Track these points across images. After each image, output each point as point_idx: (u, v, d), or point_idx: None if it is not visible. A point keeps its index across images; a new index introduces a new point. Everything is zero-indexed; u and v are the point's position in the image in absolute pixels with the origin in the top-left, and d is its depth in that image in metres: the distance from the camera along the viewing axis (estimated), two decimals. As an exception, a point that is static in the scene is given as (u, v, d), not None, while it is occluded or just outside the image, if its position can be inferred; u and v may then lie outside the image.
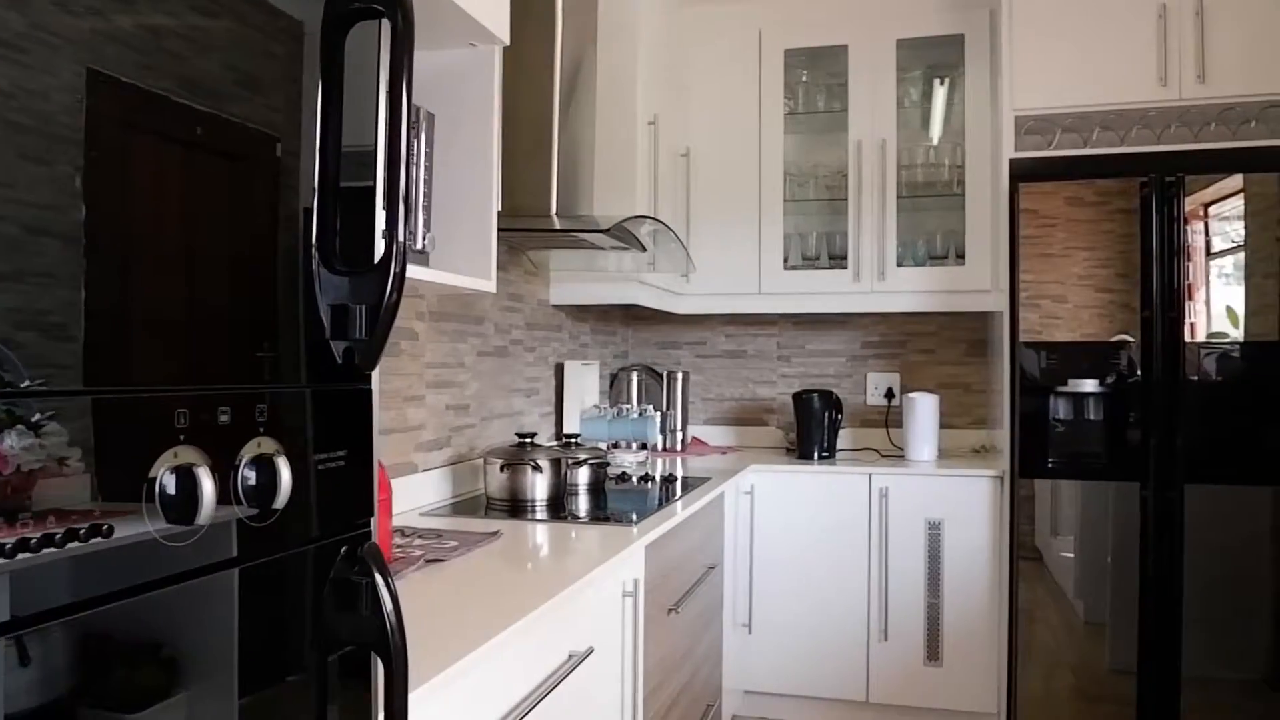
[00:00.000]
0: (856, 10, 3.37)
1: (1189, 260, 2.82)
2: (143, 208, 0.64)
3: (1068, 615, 2.89)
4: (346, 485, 0.82)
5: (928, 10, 3.31)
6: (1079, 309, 2.85)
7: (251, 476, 0.70)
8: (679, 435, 3.51)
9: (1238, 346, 2.76)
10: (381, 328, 0.81)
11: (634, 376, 3.55)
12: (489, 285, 1.64)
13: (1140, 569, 2.78)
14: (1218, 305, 2.79)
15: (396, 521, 1.96)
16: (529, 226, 2.26)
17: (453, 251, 1.59)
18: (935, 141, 3.46)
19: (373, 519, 0.86)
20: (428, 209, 1.41)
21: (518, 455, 2.22)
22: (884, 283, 3.30)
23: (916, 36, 3.34)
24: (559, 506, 2.21)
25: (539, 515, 2.12)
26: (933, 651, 3.03)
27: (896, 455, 3.34)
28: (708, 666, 2.59)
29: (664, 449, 3.49)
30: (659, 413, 3.46)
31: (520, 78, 2.31)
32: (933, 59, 3.43)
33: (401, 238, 0.81)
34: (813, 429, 3.25)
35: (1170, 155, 2.91)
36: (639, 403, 3.37)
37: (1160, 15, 2.85)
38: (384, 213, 0.82)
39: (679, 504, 2.23)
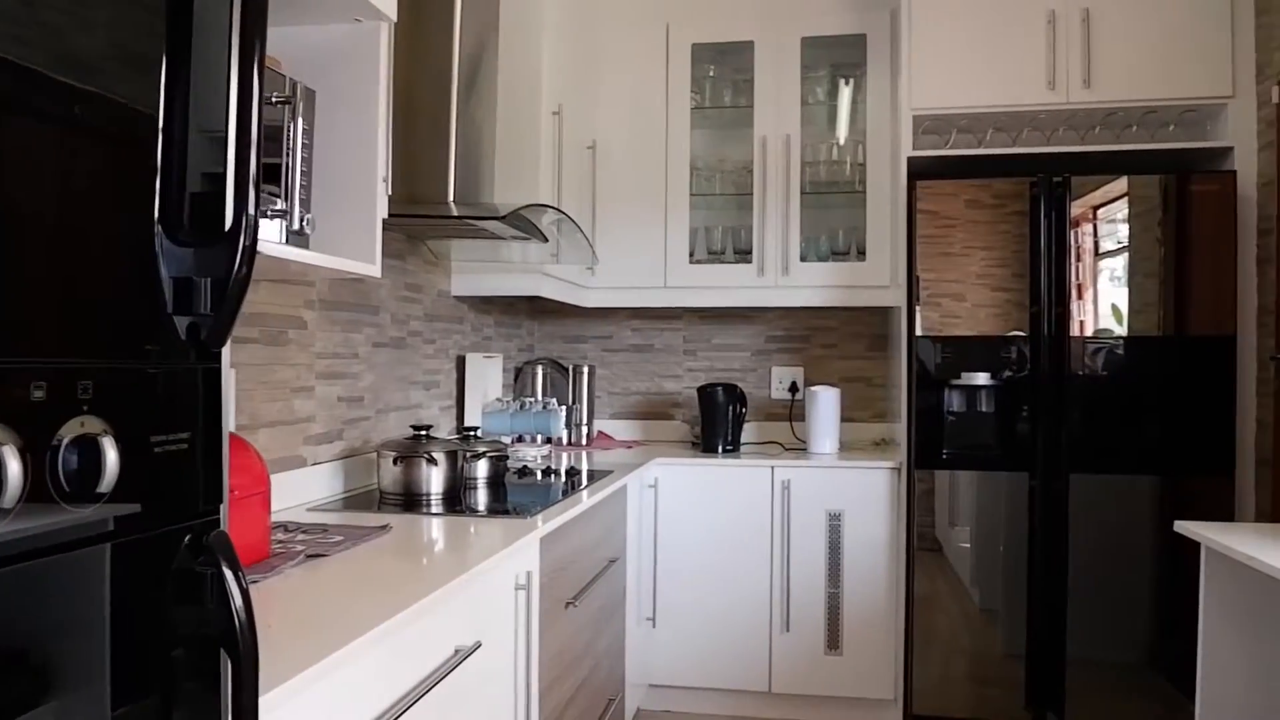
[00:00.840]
0: (763, 7, 3.40)
1: (1079, 260, 2.93)
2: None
3: (965, 603, 2.97)
4: (190, 470, 0.77)
5: (831, 10, 3.36)
6: (977, 307, 2.93)
7: (73, 459, 0.65)
8: (584, 429, 3.49)
9: (1121, 343, 2.87)
10: (230, 303, 0.76)
11: (539, 370, 3.51)
12: (373, 270, 1.58)
13: (1028, 557, 2.88)
14: (1104, 303, 2.91)
15: (282, 517, 1.88)
16: (426, 214, 2.20)
17: (336, 234, 1.53)
18: (839, 139, 3.52)
19: (222, 506, 0.81)
20: (306, 188, 1.35)
21: (412, 448, 2.16)
22: (788, 278, 3.33)
23: (821, 35, 3.38)
24: (455, 500, 2.16)
25: (434, 509, 2.07)
26: (833, 641, 3.08)
27: (799, 448, 3.38)
28: (610, 660, 2.58)
29: (569, 443, 3.46)
30: (564, 407, 3.42)
31: (419, 64, 2.25)
32: (837, 58, 3.48)
33: (252, 210, 0.77)
34: (717, 422, 3.27)
35: (1058, 157, 3.03)
36: (544, 397, 3.33)
37: (1050, 22, 2.95)
38: (233, 183, 0.77)
39: (577, 497, 2.21)
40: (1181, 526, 1.95)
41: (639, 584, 3.00)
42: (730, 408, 3.28)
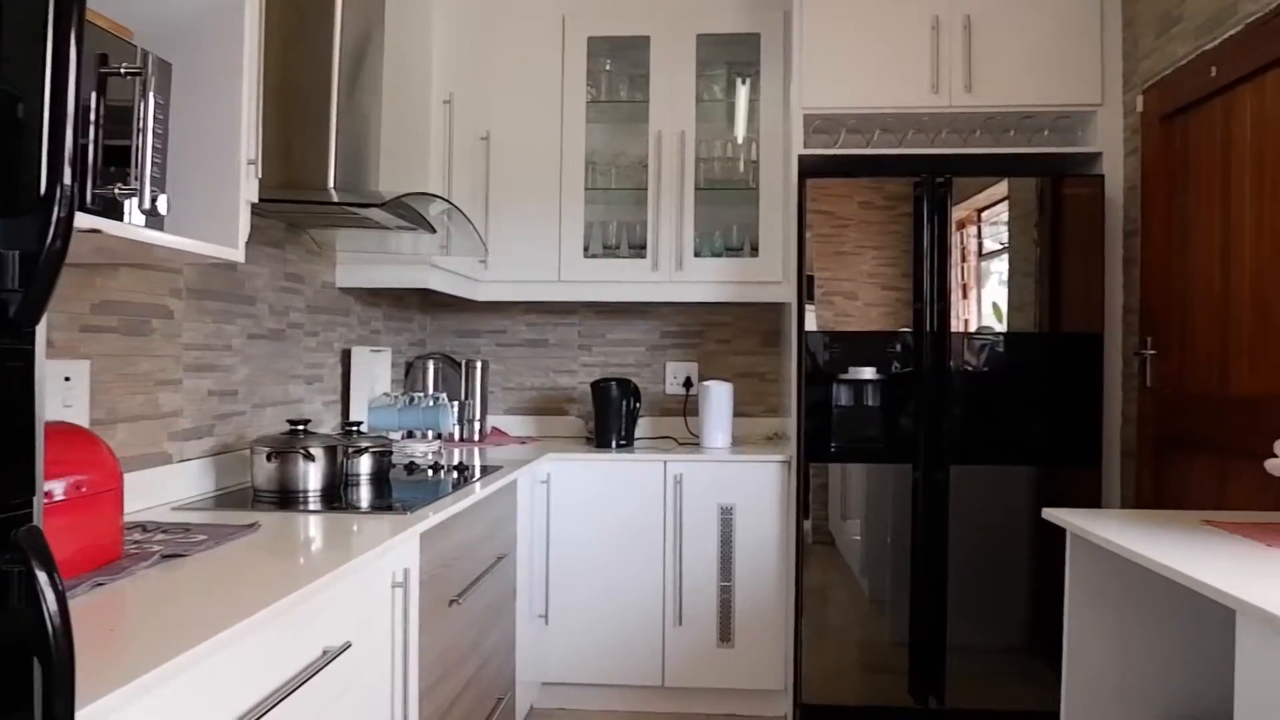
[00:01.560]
0: (659, 3, 3.40)
1: (964, 261, 3.02)
2: None
3: (855, 595, 3.03)
4: (-7, 460, 0.71)
5: (727, 8, 3.38)
6: (869, 306, 2.99)
7: None
8: (477, 425, 3.43)
9: (999, 339, 2.97)
10: (42, 278, 0.70)
11: (430, 365, 3.43)
12: (235, 255, 1.50)
13: (911, 547, 2.96)
14: (987, 302, 3.01)
15: (142, 516, 1.78)
16: (302, 199, 2.12)
17: (196, 217, 1.45)
18: (733, 136, 3.55)
19: (36, 499, 0.75)
20: (160, 166, 1.27)
21: (288, 443, 2.07)
22: (681, 273, 3.35)
23: (716, 33, 3.41)
24: (334, 497, 2.09)
25: (311, 506, 1.99)
26: (725, 633, 3.10)
27: (693, 443, 3.40)
28: (499, 658, 2.53)
29: (461, 439, 3.39)
30: (456, 402, 3.36)
31: (299, 46, 2.17)
32: (732, 56, 3.51)
33: (68, 179, 0.71)
34: (610, 418, 3.26)
35: (941, 158, 3.12)
36: (435, 392, 3.25)
37: (934, 27, 3.03)
38: (47, 150, 0.71)
39: (463, 492, 2.16)
40: (1049, 514, 2.03)
41: (531, 581, 2.97)
42: (624, 403, 3.27)
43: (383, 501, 2.09)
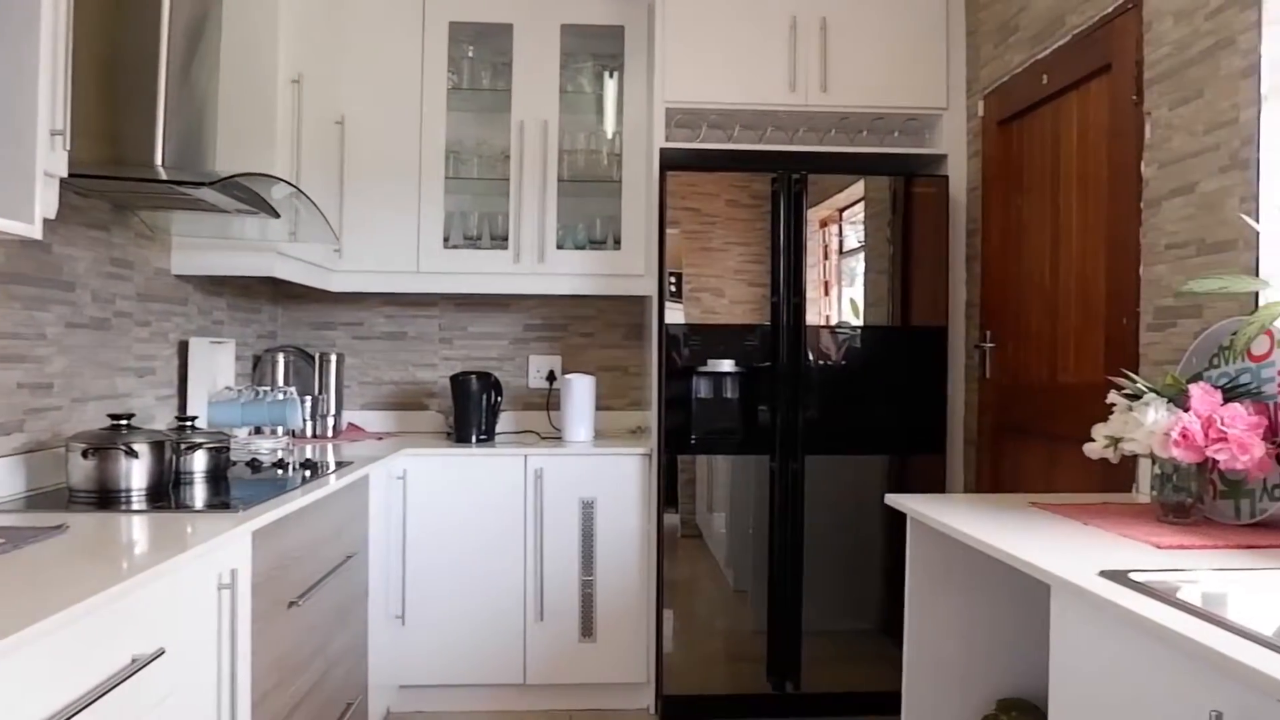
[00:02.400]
0: (523, -10, 3.34)
1: (826, 258, 3.10)
2: None
3: (721, 586, 3.06)
4: None
5: (592, -1, 3.36)
6: (735, 303, 3.02)
7: None
8: (331, 420, 3.30)
9: (853, 333, 3.06)
10: None
11: (280, 358, 3.27)
12: (30, 230, 1.37)
13: (769, 536, 3.01)
14: (846, 298, 3.10)
15: (-68, 520, 1.62)
16: (125, 175, 1.97)
17: (-15, 189, 1.32)
18: (598, 129, 3.53)
19: None
20: (-64, 131, 1.15)
21: (108, 439, 1.93)
22: (544, 265, 3.31)
23: (581, 24, 3.38)
24: (161, 496, 1.95)
25: (135, 506, 1.86)
26: (587, 628, 3.08)
27: (556, 437, 3.36)
28: (348, 662, 2.44)
29: (314, 435, 3.25)
30: (308, 397, 3.22)
31: (125, 18, 2.02)
32: (597, 48, 3.49)
33: None
34: (470, 412, 3.19)
35: (798, 155, 3.19)
36: (285, 386, 3.10)
37: (792, 27, 3.10)
38: None
39: (305, 489, 2.06)
40: (891, 499, 2.10)
41: (386, 580, 2.87)
42: (485, 397, 3.21)
43: (217, 500, 1.97)
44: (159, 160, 2.01)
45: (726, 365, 2.99)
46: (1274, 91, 1.82)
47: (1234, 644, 1.00)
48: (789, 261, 3.01)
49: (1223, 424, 1.62)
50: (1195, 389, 1.70)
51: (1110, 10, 2.32)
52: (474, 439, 3.20)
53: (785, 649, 3.01)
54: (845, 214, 3.12)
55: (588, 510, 3.07)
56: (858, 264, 3.09)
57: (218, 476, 2.20)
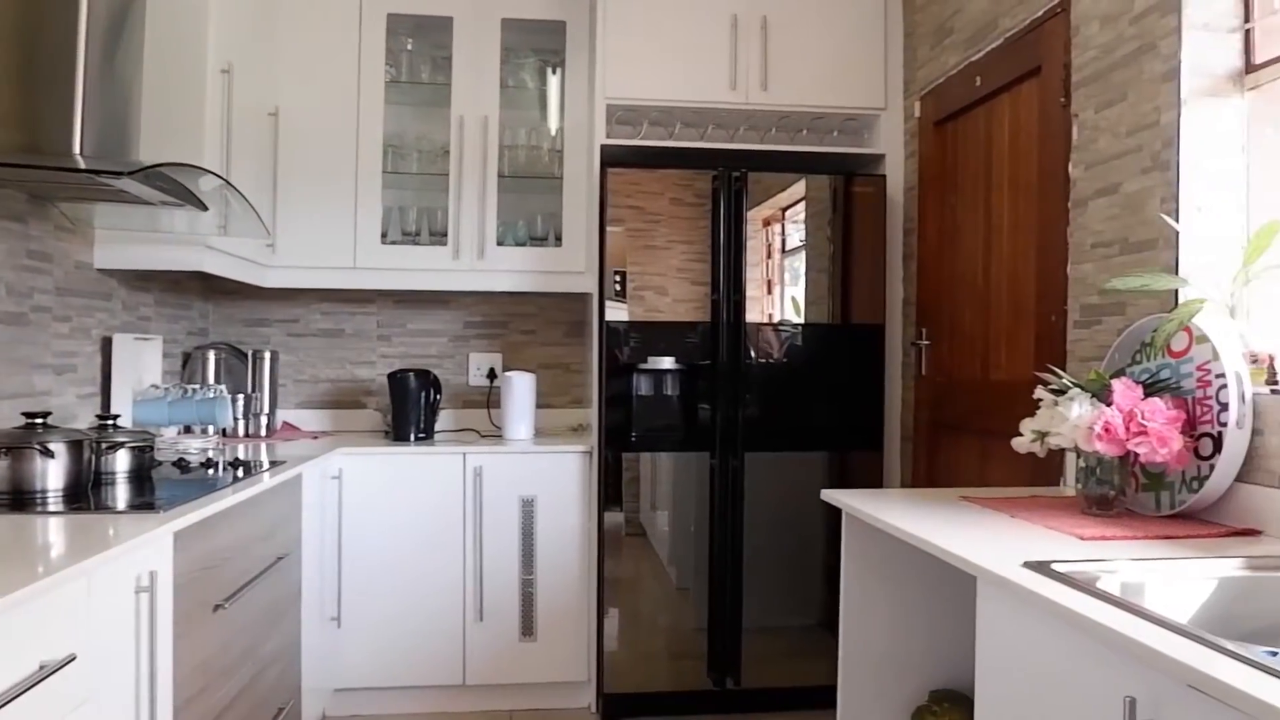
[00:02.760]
0: (462, -18, 3.30)
1: (769, 257, 3.11)
2: None
3: (664, 583, 3.05)
4: None
5: (534, -7, 3.33)
6: (678, 301, 3.02)
7: None
8: (265, 419, 3.22)
9: (793, 331, 3.08)
10: None
11: (211, 356, 3.19)
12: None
13: (710, 533, 3.02)
14: (788, 296, 3.12)
15: None
16: (40, 164, 1.90)
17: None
18: (538, 124, 3.50)
19: None
20: None
21: (22, 438, 1.85)
22: (483, 261, 3.27)
23: (522, 18, 3.35)
24: (80, 497, 1.89)
25: (51, 508, 1.79)
26: (527, 627, 3.06)
27: (496, 435, 3.33)
28: (280, 665, 2.38)
29: (247, 434, 3.18)
30: (240, 395, 3.15)
31: (41, 3, 1.95)
32: (538, 43, 3.46)
33: None
34: (409, 410, 3.14)
35: (738, 153, 3.20)
36: (216, 384, 3.03)
37: (733, 25, 3.11)
38: None
39: (230, 489, 2.01)
40: (826, 495, 2.11)
41: (321, 581, 2.81)
42: (423, 395, 3.17)
43: (140, 500, 1.91)
44: (77, 149, 1.94)
45: (667, 362, 2.99)
46: (1193, 95, 1.87)
47: (1147, 631, 1.02)
48: (729, 259, 3.02)
49: (1143, 418, 1.66)
50: (1117, 384, 1.74)
51: (1040, 14, 2.36)
52: (412, 437, 3.16)
53: (726, 645, 3.02)
54: (788, 213, 3.15)
55: (528, 508, 3.04)
56: (799, 262, 3.12)
57: (141, 477, 2.14)
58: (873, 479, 3.09)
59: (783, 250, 3.16)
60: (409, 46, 3.41)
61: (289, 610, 2.46)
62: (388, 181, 3.31)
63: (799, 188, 3.10)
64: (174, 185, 2.12)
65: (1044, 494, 2.09)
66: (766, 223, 3.13)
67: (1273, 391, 1.66)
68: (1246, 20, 1.87)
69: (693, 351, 3.01)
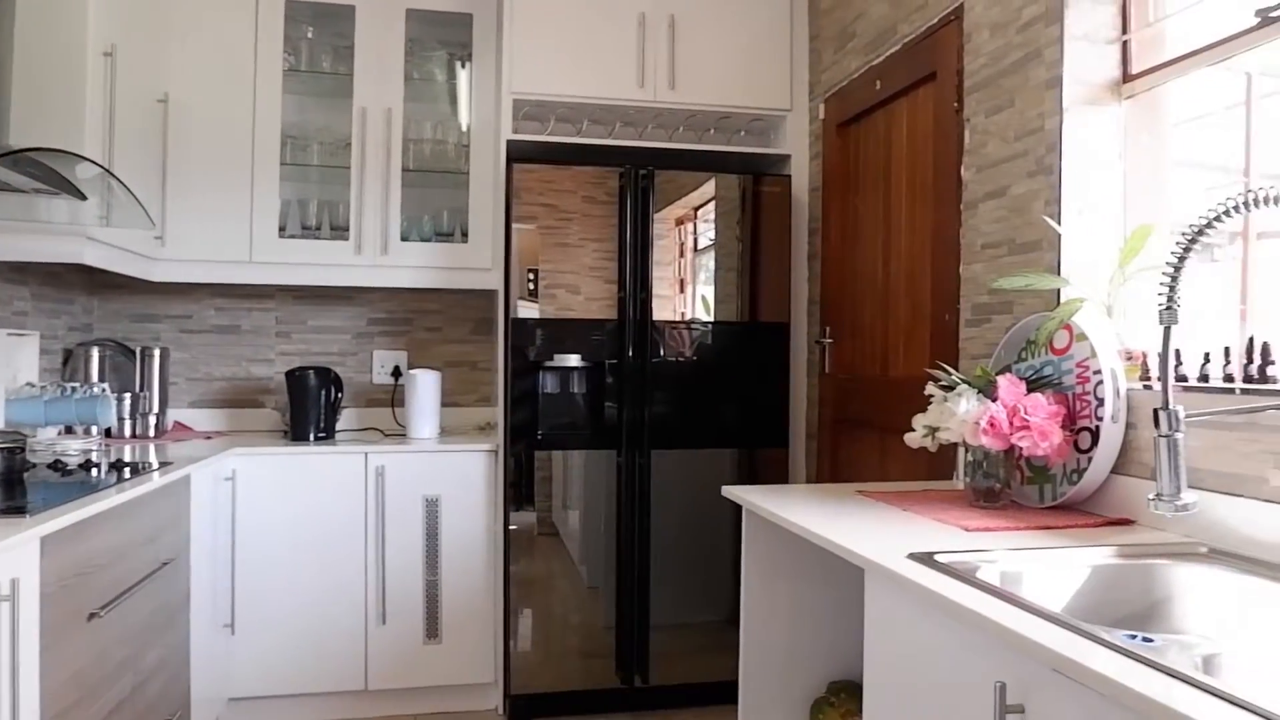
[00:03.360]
0: (366, -28, 3.22)
1: (682, 256, 3.12)
2: None
3: (575, 583, 3.03)
4: None
5: (439, -15, 3.28)
6: (590, 300, 3.00)
7: None
8: (154, 419, 3.09)
9: (705, 329, 3.09)
10: None
11: (95, 353, 3.04)
12: None
13: (618, 531, 3.01)
14: (700, 295, 3.13)
15: None
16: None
17: None
18: (445, 119, 3.44)
19: None
20: None
21: (-126, 440, 1.73)
22: (387, 257, 3.20)
23: (428, 9, 3.28)
24: (-62, 502, 1.77)
25: (-95, 515, 1.67)
26: (432, 629, 3.00)
27: (400, 434, 3.27)
28: (166, 675, 2.28)
29: (134, 435, 3.04)
30: (129, 394, 3.01)
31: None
32: (445, 35, 3.40)
33: None
34: (308, 409, 3.05)
35: (645, 151, 3.20)
36: (99, 382, 2.89)
37: (641, 23, 3.10)
38: None
39: (108, 492, 1.91)
40: (727, 491, 2.13)
41: (214, 587, 2.71)
42: (324, 393, 3.08)
43: (8, 504, 1.80)
44: (-64, 131, 1.82)
45: (574, 360, 2.97)
46: (1074, 103, 1.95)
47: (1016, 618, 1.05)
48: (636, 257, 3.02)
49: (1025, 413, 1.71)
50: (1002, 380, 1.80)
51: (935, 21, 2.43)
52: (312, 437, 3.07)
53: (634, 643, 3.02)
54: (700, 212, 3.16)
55: (432, 508, 2.99)
56: (710, 261, 3.14)
57: (11, 480, 2.02)
58: (779, 475, 3.13)
59: (695, 249, 3.17)
60: (309, 35, 3.32)
61: (176, 617, 2.36)
62: (287, 173, 3.21)
63: (710, 187, 3.12)
64: (47, 172, 2.01)
65: (937, 488, 2.15)
66: (680, 221, 3.14)
67: (1145, 387, 1.74)
68: (1124, 32, 1.96)
69: (600, 349, 3.00)
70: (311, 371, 3.07)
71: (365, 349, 3.51)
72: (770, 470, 3.12)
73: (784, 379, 3.14)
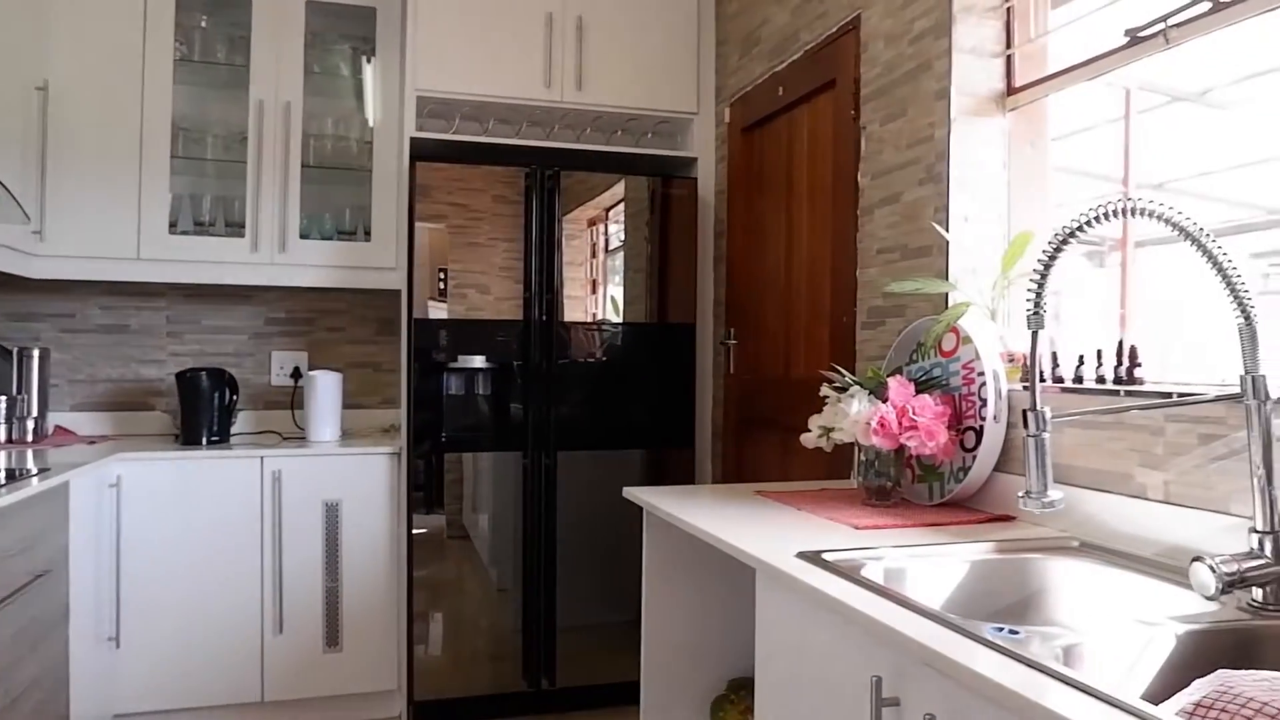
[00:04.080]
0: (263, -40, 3.13)
1: (594, 256, 3.11)
2: None
3: (485, 586, 3.00)
4: None
5: (343, -23, 3.20)
6: (500, 300, 2.97)
7: None
8: (32, 423, 2.94)
9: (614, 330, 3.10)
10: None
11: (-33, 353, 2.88)
12: None
13: (524, 533, 2.99)
14: (609, 296, 3.13)
15: None
16: None
17: None
18: (347, 114, 3.37)
19: None
20: None
21: None
22: (285, 255, 3.11)
23: (329, 1, 3.20)
24: None
25: None
26: (332, 637, 2.93)
27: (300, 438, 3.18)
28: (41, 692, 2.17)
29: (10, 440, 2.89)
30: (4, 396, 2.86)
31: None
32: (348, 28, 3.33)
33: None
34: (201, 412, 2.95)
35: (551, 151, 3.19)
36: (-28, 385, 2.73)
37: (548, 23, 3.09)
38: None
39: (-24, 500, 1.81)
40: (628, 492, 2.13)
41: (96, 599, 2.59)
42: (217, 395, 2.98)
43: None
44: None
45: (478, 361, 2.94)
46: (961, 114, 2.01)
47: (891, 614, 1.08)
48: (542, 257, 3.00)
49: (914, 413, 1.77)
50: (893, 382, 1.85)
51: (834, 30, 2.48)
52: (205, 441, 2.96)
53: (541, 646, 3.01)
54: (610, 213, 3.16)
55: (332, 513, 2.92)
56: (619, 262, 3.14)
57: None
58: (685, 476, 3.15)
59: (606, 250, 3.17)
60: (202, 23, 3.20)
61: (52, 632, 2.25)
62: (179, 167, 3.10)
63: (620, 188, 3.12)
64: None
65: (833, 487, 2.19)
66: (592, 222, 3.14)
67: (1025, 388, 1.81)
68: (1008, 47, 2.03)
69: (506, 350, 2.97)
70: (204, 373, 2.96)
71: (263, 349, 3.40)
72: (677, 470, 3.15)
73: (691, 380, 3.17)
